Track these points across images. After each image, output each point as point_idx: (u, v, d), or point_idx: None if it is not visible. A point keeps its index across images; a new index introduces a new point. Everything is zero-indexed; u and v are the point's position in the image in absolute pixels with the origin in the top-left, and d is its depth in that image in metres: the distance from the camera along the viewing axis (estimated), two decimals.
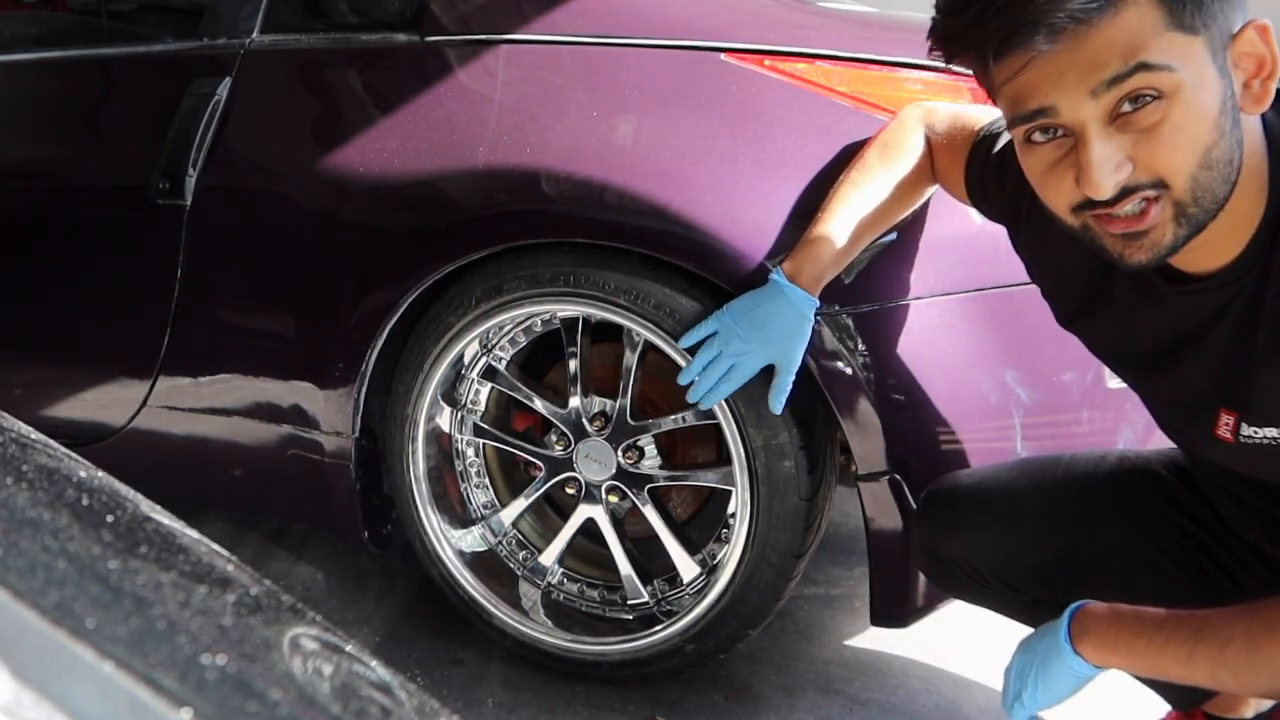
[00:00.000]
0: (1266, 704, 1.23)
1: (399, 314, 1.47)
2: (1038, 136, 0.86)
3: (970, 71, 0.90)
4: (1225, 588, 1.11)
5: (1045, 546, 1.18)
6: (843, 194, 1.23)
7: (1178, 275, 0.95)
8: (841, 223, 1.22)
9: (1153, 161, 0.81)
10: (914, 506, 1.31)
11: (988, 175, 1.17)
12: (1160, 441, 1.22)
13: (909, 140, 1.25)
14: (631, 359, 1.42)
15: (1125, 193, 0.82)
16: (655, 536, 1.51)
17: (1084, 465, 1.21)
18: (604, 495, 1.50)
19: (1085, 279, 1.05)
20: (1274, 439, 0.91)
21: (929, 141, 1.26)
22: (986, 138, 1.18)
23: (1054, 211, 0.90)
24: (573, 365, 1.46)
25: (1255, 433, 0.92)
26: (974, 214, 1.26)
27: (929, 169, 1.26)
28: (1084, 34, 0.79)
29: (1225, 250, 0.89)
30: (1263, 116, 0.87)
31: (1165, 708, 1.29)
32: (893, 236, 1.30)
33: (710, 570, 1.48)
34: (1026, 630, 1.24)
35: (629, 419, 1.44)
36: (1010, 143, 1.14)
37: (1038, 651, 1.06)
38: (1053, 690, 1.05)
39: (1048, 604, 1.18)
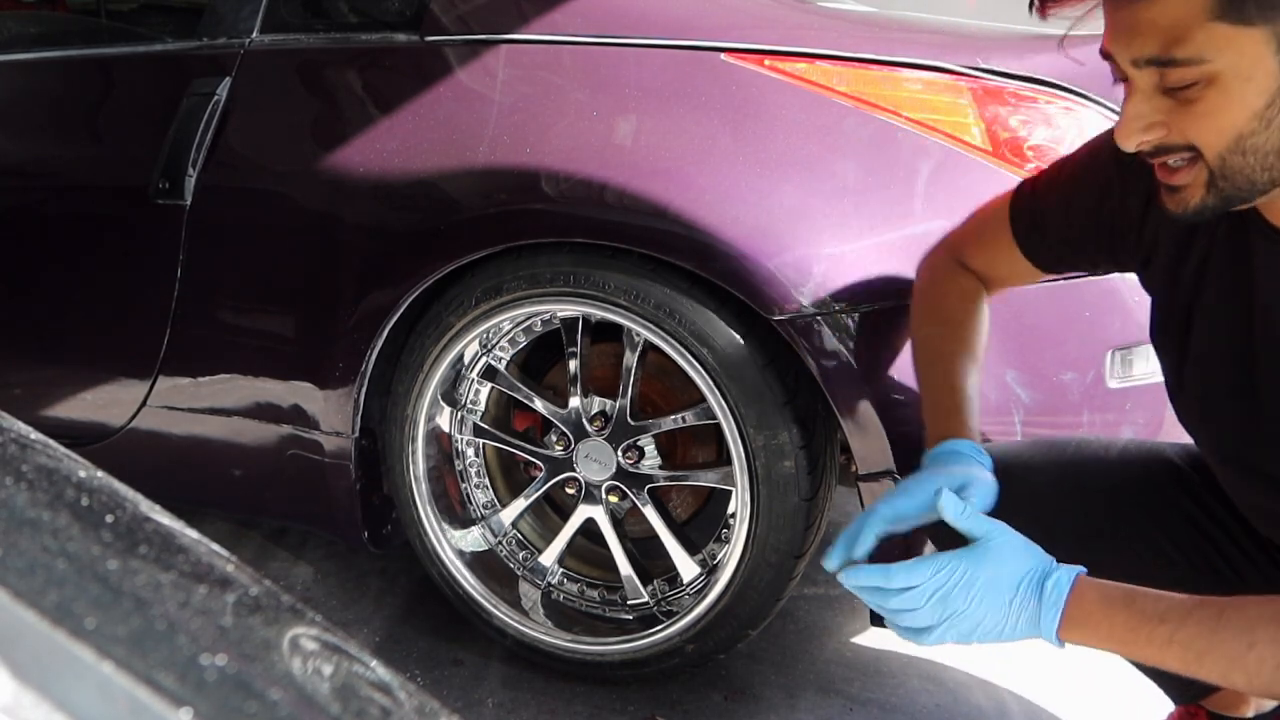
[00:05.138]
0: (1268, 704, 1.22)
1: (399, 314, 1.47)
2: (1116, 73, 0.89)
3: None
4: (1230, 581, 1.11)
5: (1058, 526, 1.17)
6: (940, 370, 1.18)
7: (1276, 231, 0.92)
8: (951, 389, 1.16)
9: (1184, 132, 0.83)
10: None
11: (1036, 214, 1.14)
12: (1167, 436, 1.21)
13: (958, 291, 1.21)
14: (631, 359, 1.42)
15: (1159, 151, 0.85)
16: (655, 536, 1.51)
17: (1096, 448, 1.21)
18: (604, 495, 1.50)
19: (1178, 237, 1.01)
20: None
21: (972, 271, 1.21)
22: (1017, 198, 1.15)
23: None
24: (573, 365, 1.46)
25: None
26: None
27: (982, 296, 1.21)
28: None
29: None
30: None
31: (1169, 707, 1.28)
32: None
33: (710, 570, 1.48)
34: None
35: (629, 419, 1.44)
36: (1044, 178, 1.14)
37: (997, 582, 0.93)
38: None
39: None
